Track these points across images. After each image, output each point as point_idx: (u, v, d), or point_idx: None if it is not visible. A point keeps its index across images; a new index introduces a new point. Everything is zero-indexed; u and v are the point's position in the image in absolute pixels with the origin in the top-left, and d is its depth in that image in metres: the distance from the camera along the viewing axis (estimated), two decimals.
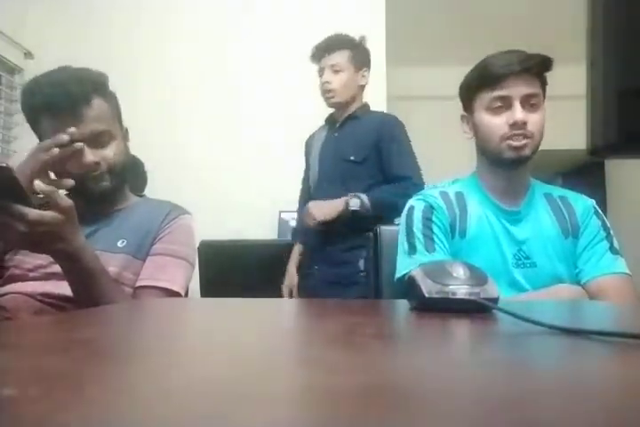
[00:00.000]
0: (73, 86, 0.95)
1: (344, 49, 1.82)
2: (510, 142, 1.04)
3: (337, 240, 1.72)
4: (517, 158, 1.05)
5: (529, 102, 1.04)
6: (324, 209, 1.67)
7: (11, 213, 0.73)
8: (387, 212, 1.59)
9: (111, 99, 1.04)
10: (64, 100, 0.93)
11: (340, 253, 1.72)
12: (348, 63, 1.81)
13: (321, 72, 1.84)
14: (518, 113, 1.02)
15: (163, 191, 1.73)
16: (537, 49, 1.07)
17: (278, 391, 0.23)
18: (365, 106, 1.89)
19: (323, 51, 1.84)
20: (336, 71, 1.80)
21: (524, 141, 1.04)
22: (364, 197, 1.65)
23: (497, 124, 1.05)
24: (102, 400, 0.21)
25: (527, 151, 1.05)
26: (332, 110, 1.91)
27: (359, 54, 1.85)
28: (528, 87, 1.04)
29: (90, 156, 0.97)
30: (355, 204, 1.64)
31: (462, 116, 1.16)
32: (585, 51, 0.34)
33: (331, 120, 1.93)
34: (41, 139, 0.98)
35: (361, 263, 1.69)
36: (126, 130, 1.10)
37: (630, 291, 1.03)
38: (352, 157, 1.74)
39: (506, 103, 1.04)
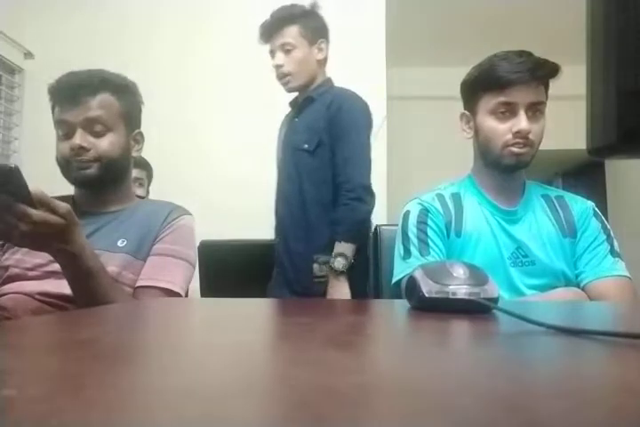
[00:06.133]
0: (81, 78, 1.04)
1: (293, 24, 1.59)
2: (511, 149, 1.05)
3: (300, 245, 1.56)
4: (516, 165, 1.07)
5: (533, 110, 1.05)
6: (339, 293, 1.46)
7: (16, 213, 0.73)
8: (365, 230, 1.47)
9: (122, 98, 1.07)
10: (68, 87, 1.03)
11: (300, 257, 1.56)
12: (299, 39, 1.59)
13: (272, 53, 1.63)
14: (523, 122, 1.03)
15: (164, 192, 1.73)
16: (537, 48, 1.07)
17: (278, 391, 0.23)
18: (325, 83, 1.65)
19: (269, 30, 1.61)
20: (287, 51, 1.59)
21: (524, 149, 1.05)
22: (345, 250, 1.45)
23: (501, 130, 1.05)
24: (102, 401, 0.21)
25: (526, 158, 1.07)
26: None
27: (311, 25, 1.62)
28: (535, 95, 1.04)
29: (78, 139, 1.01)
30: (340, 264, 1.45)
31: (462, 115, 1.15)
32: (585, 51, 0.34)
33: (295, 103, 1.72)
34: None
35: (315, 268, 1.52)
36: (139, 133, 1.14)
37: (630, 294, 1.03)
38: (305, 146, 1.55)
39: (511, 109, 1.04)
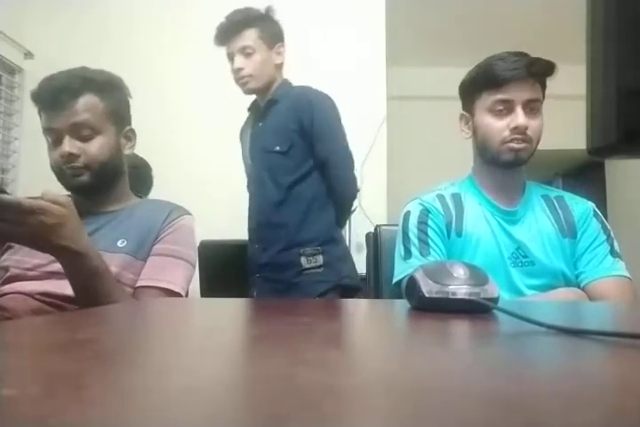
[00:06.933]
0: (61, 81, 1.00)
1: (251, 27, 1.60)
2: (510, 145, 1.06)
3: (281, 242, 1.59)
4: (515, 161, 1.07)
5: (530, 107, 1.06)
6: None
7: (11, 208, 0.72)
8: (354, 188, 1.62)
9: (107, 97, 1.04)
10: (50, 92, 0.99)
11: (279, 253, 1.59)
12: (259, 42, 1.60)
13: (230, 56, 1.63)
14: (521, 118, 1.04)
15: (163, 192, 1.73)
16: (537, 48, 1.07)
17: (278, 391, 0.23)
18: (284, 85, 1.67)
19: (227, 32, 1.62)
20: (248, 54, 1.59)
21: (523, 145, 1.06)
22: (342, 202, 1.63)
23: (498, 127, 1.06)
24: (102, 401, 0.21)
25: (525, 154, 1.07)
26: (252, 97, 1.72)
27: (269, 29, 1.63)
28: (531, 92, 1.05)
29: (67, 146, 0.99)
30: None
31: (461, 115, 1.16)
32: (585, 51, 0.34)
33: (254, 108, 1.74)
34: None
35: (303, 261, 1.56)
36: (130, 130, 1.11)
37: (630, 294, 1.03)
38: (277, 148, 1.58)
39: (508, 107, 1.05)
